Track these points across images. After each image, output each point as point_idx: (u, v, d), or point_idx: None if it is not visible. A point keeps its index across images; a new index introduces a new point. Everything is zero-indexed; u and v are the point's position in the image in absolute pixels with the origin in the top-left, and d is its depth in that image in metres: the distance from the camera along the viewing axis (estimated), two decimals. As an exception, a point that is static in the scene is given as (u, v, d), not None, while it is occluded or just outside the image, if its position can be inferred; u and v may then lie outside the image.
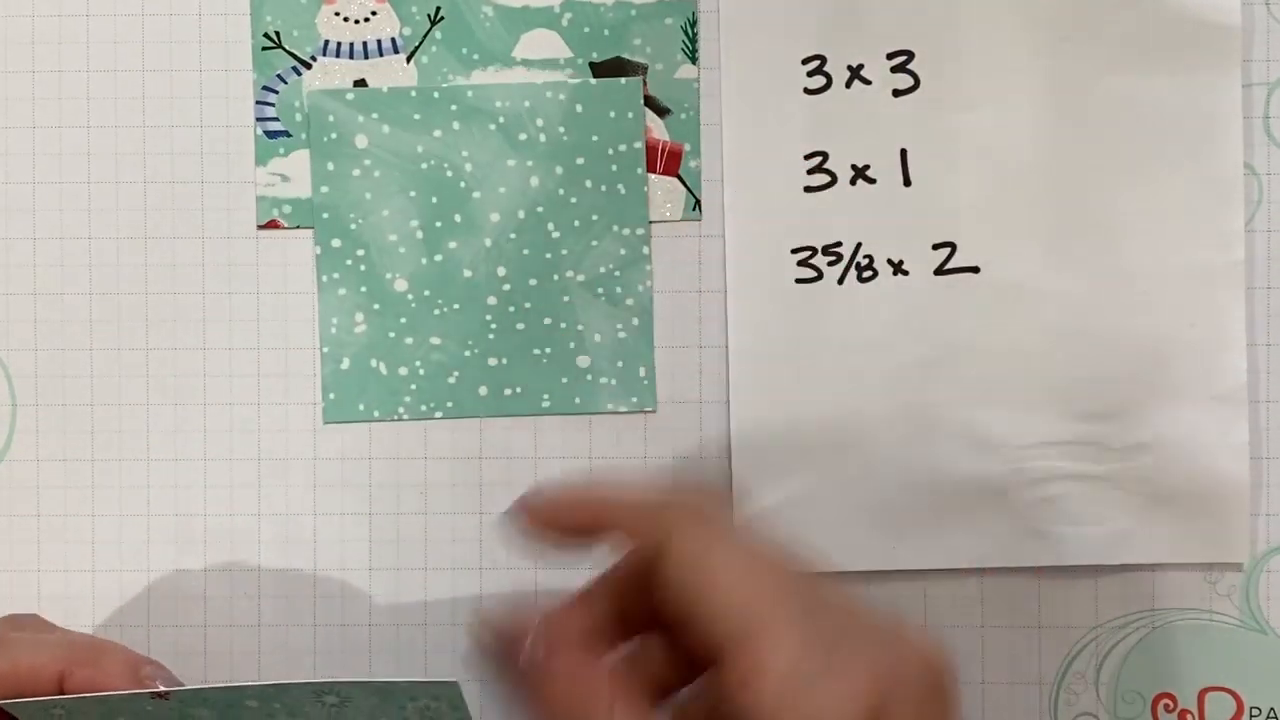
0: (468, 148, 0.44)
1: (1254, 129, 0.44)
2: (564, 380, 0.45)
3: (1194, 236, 0.44)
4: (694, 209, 0.45)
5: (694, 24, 0.44)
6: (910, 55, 0.44)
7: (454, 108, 0.44)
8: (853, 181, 0.44)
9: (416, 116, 0.44)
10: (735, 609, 0.31)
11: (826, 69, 0.44)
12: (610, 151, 0.44)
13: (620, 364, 0.45)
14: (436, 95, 0.44)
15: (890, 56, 0.44)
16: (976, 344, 0.44)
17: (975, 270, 0.44)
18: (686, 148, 0.45)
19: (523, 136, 0.44)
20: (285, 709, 0.36)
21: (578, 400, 0.45)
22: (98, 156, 0.45)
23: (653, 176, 0.45)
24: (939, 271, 0.44)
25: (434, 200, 0.45)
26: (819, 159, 0.44)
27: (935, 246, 0.44)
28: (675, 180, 0.45)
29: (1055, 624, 0.45)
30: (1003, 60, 0.44)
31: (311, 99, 0.44)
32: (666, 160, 0.45)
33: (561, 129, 0.44)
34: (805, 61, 0.44)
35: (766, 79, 0.44)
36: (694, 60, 0.44)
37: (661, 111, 0.44)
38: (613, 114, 0.44)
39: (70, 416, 0.45)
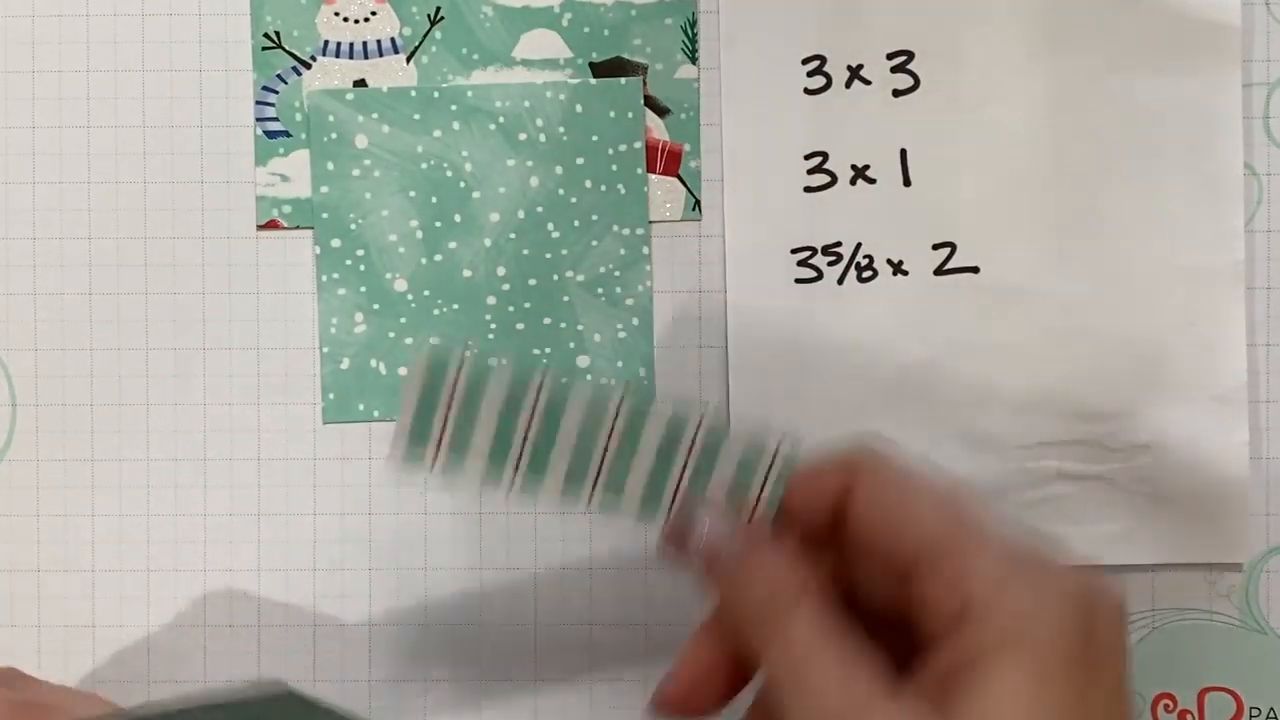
0: (468, 147, 0.44)
1: (1254, 129, 0.44)
2: (563, 380, 0.45)
3: (1194, 236, 0.44)
4: (694, 209, 0.45)
5: (694, 24, 0.44)
6: (910, 55, 0.44)
7: (454, 108, 0.44)
8: (853, 181, 0.44)
9: (416, 116, 0.44)
10: (934, 527, 0.31)
11: (826, 69, 0.44)
12: (610, 151, 0.44)
13: (620, 364, 0.45)
14: (436, 95, 0.44)
15: (890, 56, 0.44)
16: (976, 344, 0.44)
17: (975, 270, 0.44)
18: (686, 148, 0.45)
19: (523, 136, 0.44)
20: None
21: (578, 400, 0.45)
22: (98, 156, 0.45)
23: (653, 176, 0.45)
24: (939, 271, 0.44)
25: (434, 200, 0.45)
26: (819, 159, 0.44)
27: (935, 246, 0.44)
28: (675, 180, 0.45)
29: (1055, 624, 0.45)
30: (1003, 60, 0.44)
31: (311, 99, 0.44)
32: (666, 160, 0.45)
33: (561, 129, 0.44)
34: (805, 61, 0.44)
35: (766, 79, 0.44)
36: (694, 60, 0.44)
37: (661, 111, 0.44)
38: (612, 114, 0.44)
39: (70, 416, 0.45)
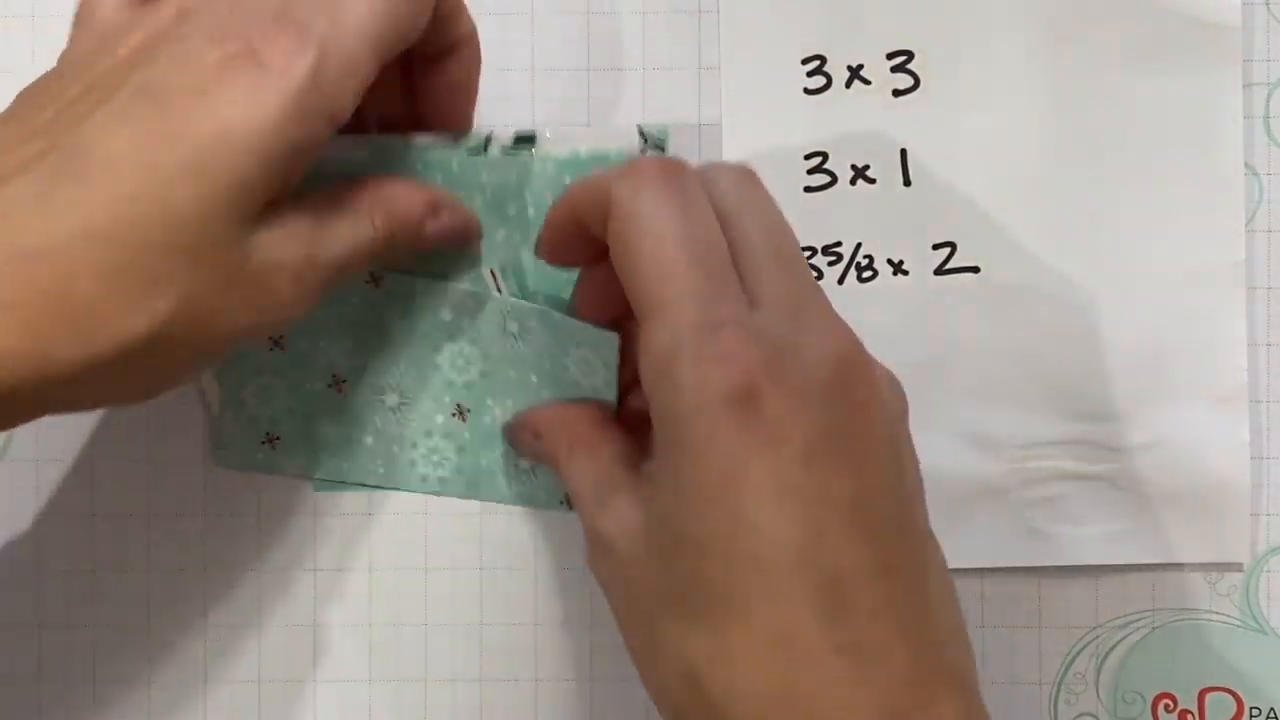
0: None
1: (1254, 129, 0.44)
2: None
3: (1194, 236, 0.44)
4: None
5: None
6: (910, 55, 0.44)
7: (439, 179, 0.41)
8: (853, 181, 0.44)
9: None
10: (649, 279, 0.32)
11: (826, 69, 0.44)
12: None
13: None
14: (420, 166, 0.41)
15: (890, 56, 0.44)
16: (976, 344, 0.44)
17: (975, 270, 0.44)
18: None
19: (511, 210, 0.41)
20: (473, 329, 0.42)
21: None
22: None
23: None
24: (939, 271, 0.44)
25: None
26: (819, 159, 0.44)
27: (935, 246, 0.44)
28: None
29: (1055, 624, 0.45)
30: (1003, 60, 0.44)
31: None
32: None
33: (549, 200, 0.40)
34: (805, 61, 0.44)
35: (766, 79, 0.44)
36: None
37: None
38: None
39: (69, 416, 0.45)
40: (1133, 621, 0.45)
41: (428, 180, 0.40)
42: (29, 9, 0.45)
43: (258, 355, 0.43)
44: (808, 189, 0.44)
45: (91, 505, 0.45)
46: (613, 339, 0.37)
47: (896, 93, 0.44)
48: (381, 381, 0.43)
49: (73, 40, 0.36)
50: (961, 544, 0.44)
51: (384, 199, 0.38)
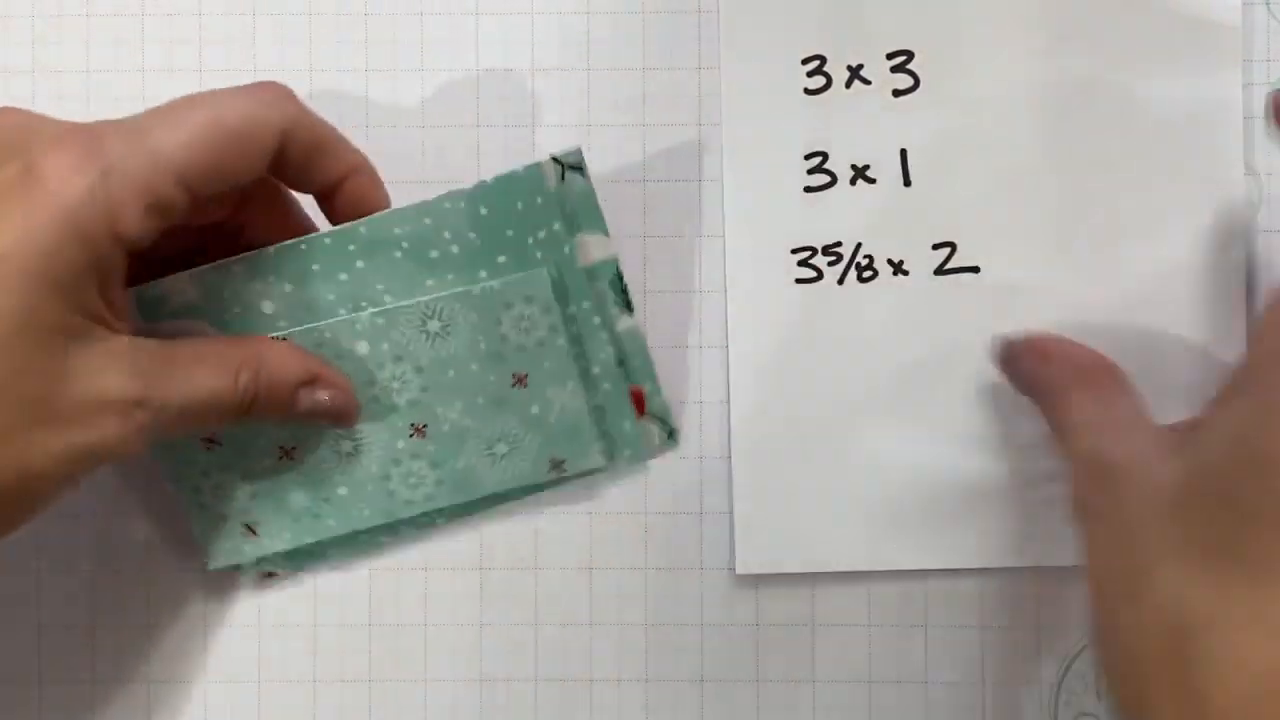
0: (381, 280, 0.40)
1: (1254, 129, 0.44)
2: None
3: (1194, 236, 0.44)
4: (670, 437, 0.45)
5: (621, 278, 0.42)
6: (910, 55, 0.44)
7: (351, 248, 0.39)
8: (853, 181, 0.44)
9: (315, 268, 0.40)
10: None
11: (826, 69, 0.44)
12: (530, 240, 0.41)
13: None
14: (328, 241, 0.39)
15: (890, 56, 0.44)
16: (976, 344, 0.44)
17: (975, 270, 0.44)
18: (646, 387, 0.44)
19: (434, 254, 0.40)
20: (395, 348, 0.40)
21: (578, 400, 0.45)
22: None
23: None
24: (939, 271, 0.44)
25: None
26: (819, 159, 0.44)
27: (935, 246, 0.44)
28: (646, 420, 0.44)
29: (1055, 624, 0.45)
30: (1003, 60, 0.44)
31: (157, 299, 0.39)
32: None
33: (472, 234, 0.40)
34: (805, 61, 0.44)
35: (766, 79, 0.44)
36: (630, 310, 0.43)
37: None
38: (520, 205, 0.40)
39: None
40: (1133, 621, 0.45)
41: (335, 254, 0.39)
42: (29, 9, 0.45)
43: (197, 457, 0.41)
44: (808, 189, 0.44)
45: (91, 504, 0.45)
46: (541, 274, 0.37)
47: (896, 93, 0.44)
48: (329, 434, 0.41)
49: None
50: (961, 544, 0.44)
51: (254, 357, 0.37)
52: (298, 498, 0.42)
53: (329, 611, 0.45)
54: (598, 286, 0.42)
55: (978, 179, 0.44)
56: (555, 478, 0.44)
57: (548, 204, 0.40)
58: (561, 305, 0.41)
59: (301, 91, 0.44)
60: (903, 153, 0.44)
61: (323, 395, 0.39)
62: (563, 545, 0.45)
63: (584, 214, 0.41)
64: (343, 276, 0.40)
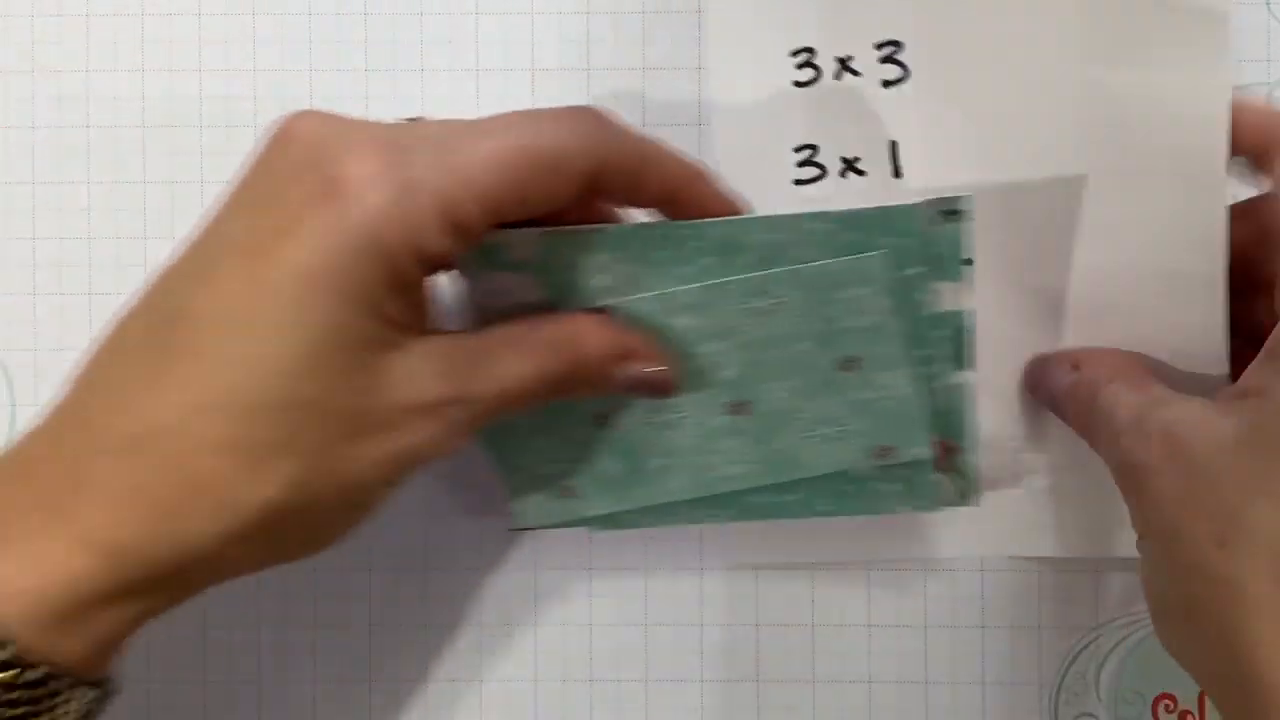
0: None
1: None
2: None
3: (1180, 237, 0.43)
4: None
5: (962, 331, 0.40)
6: (899, 45, 0.44)
7: (698, 244, 0.37)
8: (843, 174, 0.44)
9: (659, 254, 0.38)
10: None
11: (815, 61, 0.44)
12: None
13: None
14: (682, 232, 0.37)
15: (879, 47, 0.44)
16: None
17: (967, 262, 0.44)
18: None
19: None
20: (716, 324, 0.38)
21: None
22: (98, 156, 0.45)
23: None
24: (931, 264, 0.44)
25: None
26: (809, 152, 0.44)
27: (928, 240, 0.44)
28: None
29: (1055, 624, 0.45)
30: (991, 50, 0.43)
31: (499, 247, 0.37)
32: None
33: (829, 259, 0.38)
34: (794, 54, 0.44)
35: (755, 72, 0.44)
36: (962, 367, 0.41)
37: None
38: (887, 241, 0.38)
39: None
40: (1133, 621, 0.44)
41: (681, 246, 0.37)
42: (29, 9, 0.45)
43: (515, 424, 0.40)
44: (798, 181, 0.44)
45: (91, 504, 0.45)
46: (875, 258, 0.36)
47: (886, 83, 0.44)
48: (645, 405, 0.40)
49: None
50: (960, 540, 0.44)
51: (566, 336, 0.36)
52: (611, 464, 0.41)
53: (329, 611, 0.45)
54: (936, 334, 0.39)
55: (968, 170, 0.43)
56: (879, 465, 0.41)
57: (916, 246, 0.38)
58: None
59: (301, 91, 0.45)
60: (893, 144, 0.44)
61: (638, 369, 0.37)
62: (564, 545, 0.45)
63: (949, 261, 0.39)
64: (685, 270, 0.38)
